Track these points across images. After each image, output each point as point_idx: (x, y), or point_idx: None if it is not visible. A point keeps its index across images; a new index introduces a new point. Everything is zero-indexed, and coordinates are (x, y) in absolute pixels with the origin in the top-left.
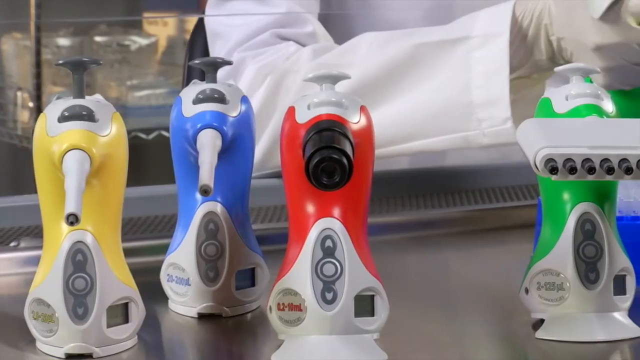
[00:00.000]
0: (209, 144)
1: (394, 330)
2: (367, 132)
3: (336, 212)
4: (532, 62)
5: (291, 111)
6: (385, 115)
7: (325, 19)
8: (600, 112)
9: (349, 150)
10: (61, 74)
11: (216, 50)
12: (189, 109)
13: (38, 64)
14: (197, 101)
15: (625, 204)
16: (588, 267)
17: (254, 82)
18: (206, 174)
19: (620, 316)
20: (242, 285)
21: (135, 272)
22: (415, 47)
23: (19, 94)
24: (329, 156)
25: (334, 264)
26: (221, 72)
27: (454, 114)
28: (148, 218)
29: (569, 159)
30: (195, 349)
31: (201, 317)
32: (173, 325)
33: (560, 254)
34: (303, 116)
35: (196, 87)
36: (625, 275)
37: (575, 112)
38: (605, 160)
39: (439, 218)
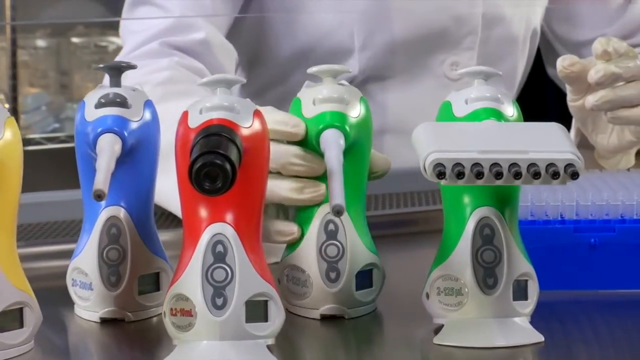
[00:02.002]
0: (107, 149)
1: (294, 333)
2: (259, 137)
3: (228, 217)
4: None
5: (185, 115)
6: None
7: (243, 21)
8: (499, 115)
9: (234, 155)
10: (37, 75)
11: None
12: (91, 113)
13: (14, 66)
14: (99, 105)
15: (523, 208)
16: (486, 272)
17: None
18: (100, 179)
19: (521, 321)
20: (145, 290)
21: (46, 276)
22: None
23: None
24: (211, 161)
25: (224, 269)
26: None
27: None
28: (65, 222)
29: (457, 164)
30: (95, 354)
31: (104, 321)
32: (77, 329)
33: (459, 259)
34: (195, 120)
35: (100, 91)
36: (526, 280)
37: (473, 116)
38: (495, 164)
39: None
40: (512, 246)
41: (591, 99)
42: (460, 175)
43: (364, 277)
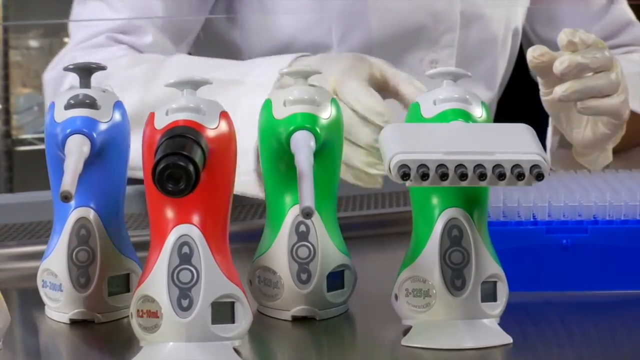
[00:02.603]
0: (75, 150)
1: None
2: (226, 139)
3: (195, 218)
4: None
5: (151, 117)
6: None
7: (218, 22)
8: (467, 116)
9: (198, 157)
10: (30, 75)
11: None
12: (61, 114)
13: (6, 66)
14: (68, 106)
15: (494, 209)
16: (454, 274)
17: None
18: (67, 180)
19: (489, 323)
20: (115, 291)
21: (18, 278)
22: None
23: None
24: (174, 163)
25: (190, 270)
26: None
27: None
28: (41, 223)
29: (422, 165)
30: (64, 356)
31: (74, 323)
32: (47, 331)
33: (427, 260)
34: (161, 122)
35: (70, 92)
36: (495, 282)
37: (441, 117)
38: (460, 165)
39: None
40: (480, 247)
41: (559, 90)
42: (424, 176)
43: (335, 279)
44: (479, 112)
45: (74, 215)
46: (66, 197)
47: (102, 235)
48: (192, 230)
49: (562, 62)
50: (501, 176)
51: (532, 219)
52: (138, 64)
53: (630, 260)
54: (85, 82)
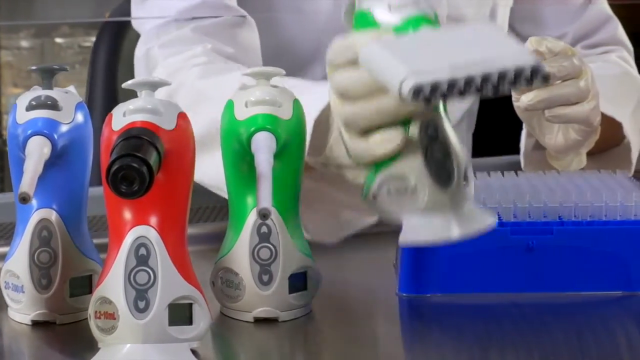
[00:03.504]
0: (35, 152)
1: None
2: (183, 140)
3: (152, 220)
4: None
5: (109, 118)
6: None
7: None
8: (431, 21)
9: (152, 159)
10: (21, 75)
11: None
12: (22, 116)
13: None
14: (29, 108)
15: None
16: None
17: None
18: (26, 182)
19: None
20: (76, 293)
21: None
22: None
23: None
24: (128, 164)
25: (147, 272)
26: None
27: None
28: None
29: (435, 85)
30: (26, 357)
31: (35, 324)
32: (9, 332)
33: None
34: (118, 123)
35: (32, 94)
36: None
37: (411, 24)
38: (469, 79)
39: None
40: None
41: (525, 99)
42: (443, 95)
43: (298, 280)
44: (432, 13)
45: (35, 216)
46: (24, 199)
47: (64, 237)
48: (149, 232)
49: (527, 96)
50: (515, 80)
51: (497, 221)
52: (208, 76)
53: (595, 262)
54: (47, 84)
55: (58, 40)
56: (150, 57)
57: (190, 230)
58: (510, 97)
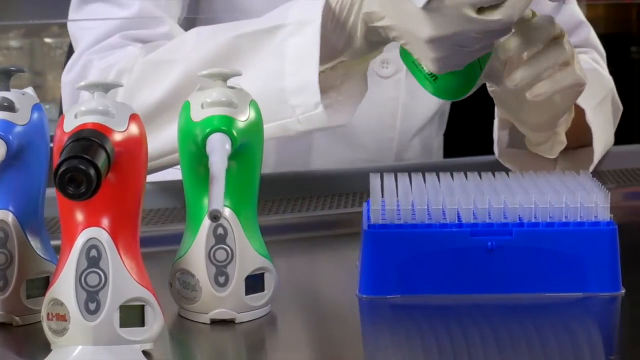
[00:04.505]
0: None
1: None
2: (134, 142)
3: (104, 222)
4: (354, 49)
5: (61, 120)
6: None
7: (192, 23)
8: None
9: (101, 160)
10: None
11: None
12: None
13: None
14: None
15: (420, 211)
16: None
17: None
18: None
19: None
20: (33, 294)
21: None
22: (235, 39)
23: None
24: (75, 166)
25: (98, 274)
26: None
27: (270, 103)
28: None
29: None
30: None
31: None
32: None
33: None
34: (69, 124)
35: None
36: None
37: None
38: None
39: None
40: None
41: (509, 83)
42: None
43: (255, 281)
44: None
45: None
46: None
47: (20, 238)
48: (100, 234)
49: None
50: None
51: (457, 222)
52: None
53: (554, 263)
54: (4, 85)
55: (47, 40)
56: (82, 63)
57: (150, 231)
58: (480, 96)
